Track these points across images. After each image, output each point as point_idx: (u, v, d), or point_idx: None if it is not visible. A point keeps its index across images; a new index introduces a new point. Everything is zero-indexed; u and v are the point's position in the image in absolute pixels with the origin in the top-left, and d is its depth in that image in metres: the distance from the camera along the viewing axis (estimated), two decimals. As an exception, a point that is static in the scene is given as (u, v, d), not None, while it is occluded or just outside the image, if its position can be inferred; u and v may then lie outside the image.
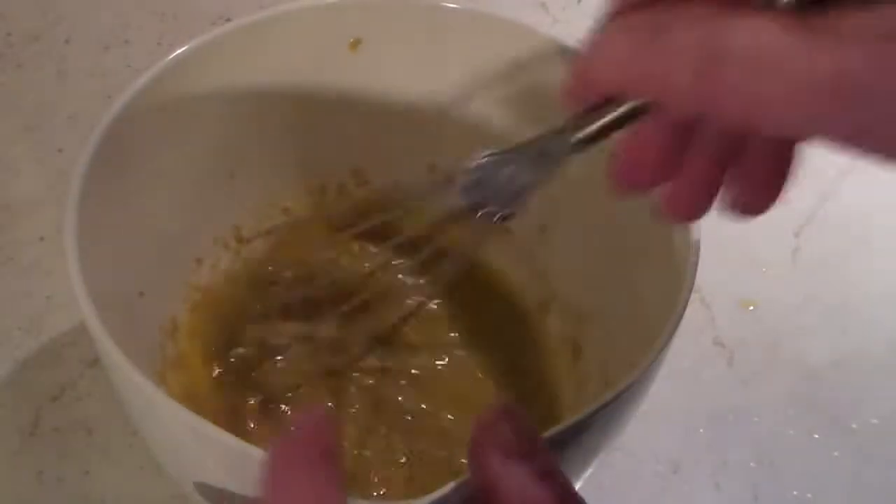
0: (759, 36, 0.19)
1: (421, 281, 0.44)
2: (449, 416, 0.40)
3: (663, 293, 0.32)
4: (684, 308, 0.30)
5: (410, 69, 0.41)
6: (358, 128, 0.42)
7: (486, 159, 0.28)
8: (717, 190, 0.25)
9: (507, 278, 0.44)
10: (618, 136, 0.25)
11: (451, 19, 0.39)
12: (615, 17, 0.23)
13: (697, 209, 0.26)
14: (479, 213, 0.29)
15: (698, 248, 0.32)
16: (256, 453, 0.26)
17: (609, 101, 0.24)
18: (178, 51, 0.36)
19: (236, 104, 0.39)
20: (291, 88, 0.40)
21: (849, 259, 0.51)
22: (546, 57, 0.39)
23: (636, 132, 0.25)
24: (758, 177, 0.25)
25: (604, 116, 0.25)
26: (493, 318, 0.44)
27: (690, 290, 0.31)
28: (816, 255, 0.51)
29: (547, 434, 0.26)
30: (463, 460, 0.35)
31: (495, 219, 0.28)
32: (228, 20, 0.38)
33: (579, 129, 0.25)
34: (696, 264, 0.32)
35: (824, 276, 0.51)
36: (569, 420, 0.27)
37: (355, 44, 0.40)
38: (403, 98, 0.41)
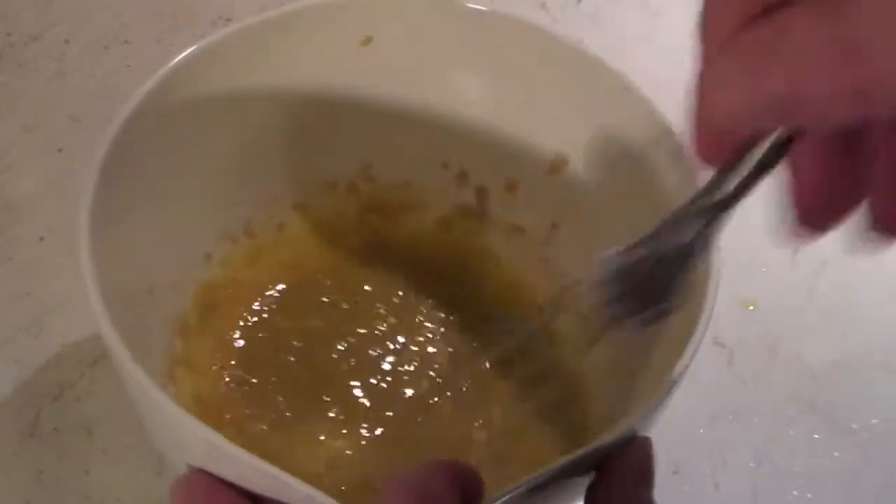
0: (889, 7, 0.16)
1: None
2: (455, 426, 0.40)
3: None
4: (697, 346, 0.30)
5: (422, 67, 0.41)
6: (369, 125, 0.42)
7: (620, 260, 0.24)
8: None
9: (518, 276, 0.44)
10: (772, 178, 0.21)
11: (463, 17, 0.39)
12: (717, 43, 0.19)
13: None
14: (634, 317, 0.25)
15: (718, 273, 0.31)
16: (260, 464, 0.26)
17: (746, 147, 0.21)
18: (188, 51, 0.36)
19: (246, 103, 0.39)
20: (302, 87, 0.40)
21: (849, 259, 0.51)
22: (563, 59, 0.39)
23: (795, 172, 0.21)
24: None
25: (745, 162, 0.21)
26: (502, 316, 0.44)
27: (706, 327, 0.30)
28: (816, 255, 0.51)
29: (553, 467, 0.26)
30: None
31: (651, 320, 0.25)
32: (229, 20, 0.38)
33: (723, 186, 0.22)
34: (715, 294, 0.31)
35: (824, 276, 0.51)
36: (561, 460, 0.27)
37: (366, 42, 0.40)
38: (415, 96, 0.41)
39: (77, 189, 0.31)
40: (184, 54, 0.36)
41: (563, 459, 0.26)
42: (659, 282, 0.24)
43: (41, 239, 0.48)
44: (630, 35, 0.61)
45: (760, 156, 0.21)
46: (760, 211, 0.54)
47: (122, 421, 0.42)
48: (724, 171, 0.22)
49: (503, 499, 0.25)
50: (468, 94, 0.41)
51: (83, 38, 0.58)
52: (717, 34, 0.19)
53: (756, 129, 0.20)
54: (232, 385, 0.40)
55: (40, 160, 0.52)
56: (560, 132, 0.40)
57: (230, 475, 0.27)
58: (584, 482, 0.28)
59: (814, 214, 0.22)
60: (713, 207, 0.22)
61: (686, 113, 0.20)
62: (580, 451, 0.27)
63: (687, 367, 0.30)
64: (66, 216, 0.31)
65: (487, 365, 0.42)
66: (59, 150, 0.52)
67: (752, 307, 0.49)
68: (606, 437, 0.27)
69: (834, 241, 0.54)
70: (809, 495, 0.43)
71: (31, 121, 0.54)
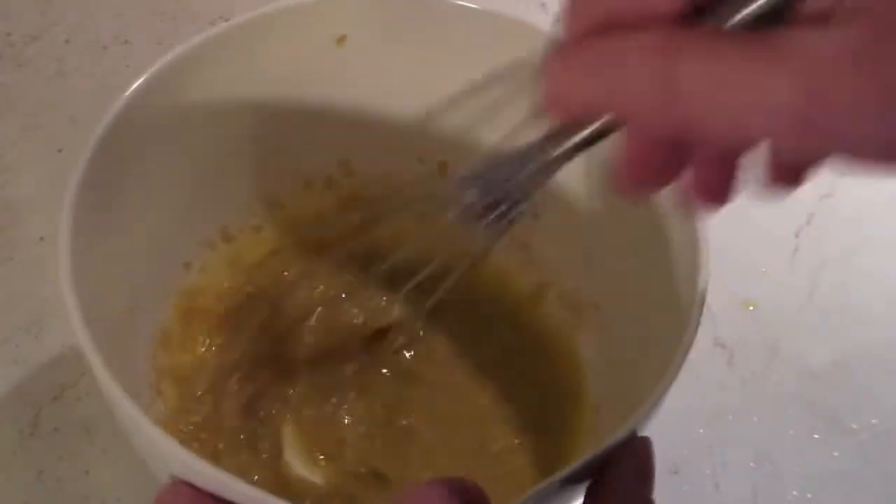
0: (711, 61, 0.19)
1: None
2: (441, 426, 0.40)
3: (665, 292, 0.32)
4: (689, 346, 0.30)
5: (398, 65, 0.41)
6: (346, 122, 0.42)
7: (480, 164, 0.28)
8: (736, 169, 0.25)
9: (500, 264, 0.44)
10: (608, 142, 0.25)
11: (440, 14, 0.39)
12: (571, 42, 0.23)
13: (721, 193, 0.26)
14: (491, 215, 0.29)
15: (708, 267, 0.32)
16: (242, 488, 0.26)
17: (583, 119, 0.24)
18: (169, 55, 0.36)
19: (221, 105, 0.39)
20: (277, 87, 0.40)
21: (849, 259, 0.51)
22: (535, 49, 0.39)
23: (627, 144, 0.24)
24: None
25: (578, 133, 0.25)
26: (486, 308, 0.44)
27: (697, 324, 0.31)
28: (816, 255, 0.51)
29: (555, 479, 0.26)
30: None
31: (508, 217, 0.29)
32: (228, 20, 0.38)
33: (559, 142, 0.26)
34: (704, 291, 0.31)
35: (824, 276, 0.51)
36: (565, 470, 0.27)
37: (341, 40, 0.40)
38: (391, 94, 0.41)
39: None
40: (163, 59, 0.36)
41: (566, 470, 0.26)
42: (512, 186, 0.28)
43: (41, 239, 0.48)
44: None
45: (591, 130, 0.24)
46: (760, 211, 0.54)
47: (122, 421, 0.42)
48: (566, 130, 0.25)
49: None
50: (444, 88, 0.41)
51: (83, 38, 0.58)
52: (574, 28, 0.23)
53: (588, 113, 0.24)
54: (217, 394, 0.40)
55: (40, 160, 0.52)
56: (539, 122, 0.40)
57: (210, 488, 0.27)
58: (583, 486, 0.28)
59: (638, 182, 0.25)
60: (548, 157, 0.26)
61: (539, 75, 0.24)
62: (582, 460, 0.27)
63: (682, 362, 0.29)
64: (59, 220, 0.31)
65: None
66: (59, 150, 0.52)
67: (752, 307, 0.49)
68: (608, 443, 0.27)
69: (834, 241, 0.55)
70: (809, 495, 0.43)
71: (31, 121, 0.54)
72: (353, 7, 0.39)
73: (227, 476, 0.26)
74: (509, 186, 0.28)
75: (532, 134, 0.27)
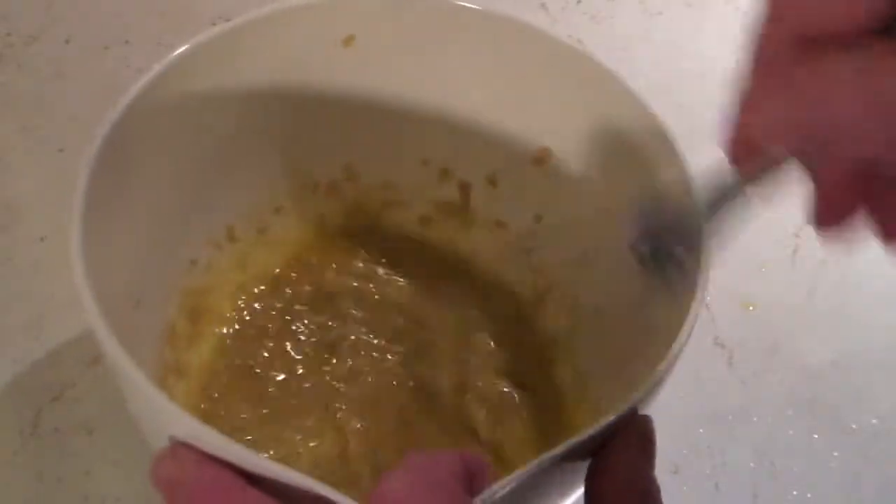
0: None
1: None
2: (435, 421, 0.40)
3: (666, 293, 0.32)
4: (692, 327, 0.30)
5: (404, 65, 0.41)
6: (350, 124, 0.42)
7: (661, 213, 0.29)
8: None
9: (501, 269, 0.44)
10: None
11: (444, 16, 0.39)
12: (764, 65, 0.22)
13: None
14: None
15: (709, 261, 0.32)
16: (259, 460, 0.26)
17: (765, 160, 0.24)
18: (174, 53, 0.36)
19: (227, 105, 0.39)
20: (284, 86, 0.40)
21: (849, 259, 0.51)
22: (543, 51, 0.39)
23: (822, 178, 0.24)
24: None
25: (771, 169, 0.25)
26: (488, 311, 0.44)
27: (700, 306, 0.31)
28: (816, 255, 0.51)
29: (555, 452, 0.26)
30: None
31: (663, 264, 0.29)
32: (229, 20, 0.38)
33: (749, 182, 0.26)
34: (706, 278, 0.31)
35: (824, 276, 0.51)
36: (567, 444, 0.27)
37: (348, 41, 0.40)
38: (396, 94, 0.41)
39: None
40: (166, 58, 0.36)
41: (567, 443, 0.26)
42: (674, 242, 0.28)
43: (41, 239, 0.48)
44: (629, 35, 0.61)
45: (784, 166, 0.24)
46: (760, 212, 0.54)
47: (122, 421, 0.42)
48: (743, 173, 0.26)
49: (509, 486, 0.26)
50: (450, 91, 0.41)
51: (83, 38, 0.58)
52: (765, 57, 0.22)
53: (778, 148, 0.24)
54: (224, 391, 0.40)
55: (40, 160, 0.52)
56: (543, 125, 0.40)
57: (210, 450, 0.27)
58: (585, 465, 0.28)
59: (827, 218, 0.25)
60: (724, 200, 0.27)
61: (722, 118, 0.23)
62: (583, 435, 0.27)
63: (686, 341, 0.30)
64: (66, 216, 0.31)
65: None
66: (60, 150, 0.52)
67: (752, 307, 0.49)
68: (609, 417, 0.27)
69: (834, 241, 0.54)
70: (809, 495, 0.43)
71: (31, 121, 0.54)
72: (360, 8, 0.39)
73: (226, 439, 0.26)
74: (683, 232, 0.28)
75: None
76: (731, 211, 0.28)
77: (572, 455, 0.27)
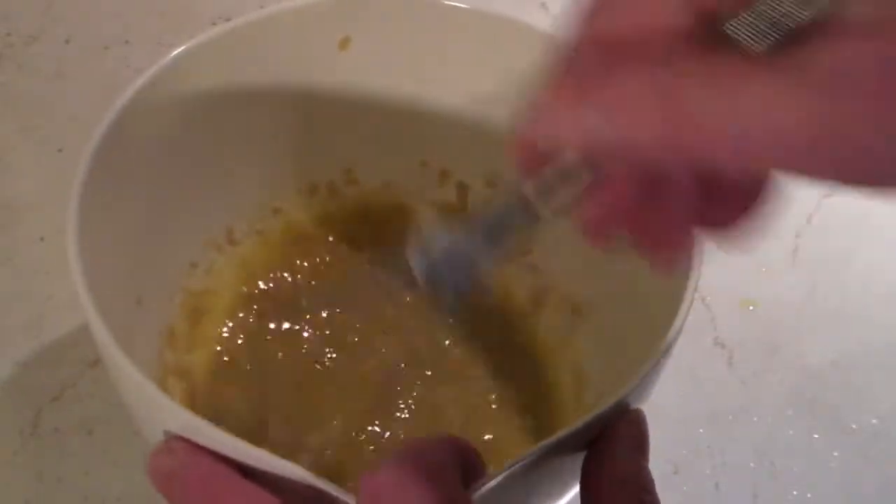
0: (719, 85, 0.18)
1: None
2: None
3: (663, 289, 0.32)
4: (684, 319, 0.30)
5: (402, 67, 0.41)
6: (349, 126, 0.42)
7: (441, 239, 0.27)
8: (692, 228, 0.24)
9: (499, 269, 0.44)
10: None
11: (442, 16, 0.39)
12: (568, 72, 0.22)
13: (679, 246, 0.25)
14: (438, 289, 0.28)
15: (701, 254, 0.32)
16: (252, 451, 0.26)
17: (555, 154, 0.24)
18: (171, 54, 0.36)
19: (229, 104, 0.39)
20: (283, 88, 0.40)
21: (849, 259, 0.51)
22: (539, 50, 0.39)
23: (602, 188, 0.24)
24: (734, 203, 0.24)
25: (564, 180, 0.24)
26: (487, 312, 0.44)
27: (692, 298, 0.31)
28: (816, 255, 0.51)
29: (548, 442, 0.26)
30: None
31: (453, 291, 0.28)
32: (229, 20, 0.38)
33: (540, 194, 0.25)
34: (698, 273, 0.31)
35: (824, 276, 0.51)
36: (561, 433, 0.27)
37: (345, 42, 0.40)
38: (395, 95, 0.41)
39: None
40: (166, 58, 0.36)
41: (560, 434, 0.26)
42: (464, 270, 0.27)
43: (41, 239, 0.48)
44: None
45: (577, 173, 0.23)
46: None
47: (122, 421, 0.42)
48: (536, 179, 0.25)
49: (501, 476, 0.26)
50: (447, 92, 0.41)
51: (83, 38, 0.58)
52: (570, 60, 0.22)
53: (566, 155, 0.23)
54: (223, 391, 0.40)
55: (40, 160, 0.52)
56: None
57: (205, 443, 0.27)
58: (579, 457, 0.28)
59: (601, 223, 0.25)
60: (531, 214, 0.26)
61: (516, 122, 0.23)
62: (576, 425, 0.27)
63: (677, 336, 0.30)
64: (66, 217, 0.31)
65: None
66: (59, 150, 0.52)
67: (752, 307, 0.49)
68: (601, 408, 0.27)
69: (834, 241, 0.55)
70: (809, 495, 0.43)
71: (31, 121, 0.54)
72: (357, 9, 0.39)
73: (219, 431, 0.26)
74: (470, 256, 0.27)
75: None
76: (520, 222, 0.27)
77: (565, 446, 0.27)
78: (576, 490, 0.29)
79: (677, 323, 0.30)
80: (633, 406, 0.30)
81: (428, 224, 0.28)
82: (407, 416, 0.40)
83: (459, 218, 0.27)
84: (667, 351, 0.29)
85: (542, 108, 0.22)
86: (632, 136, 0.20)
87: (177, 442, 0.28)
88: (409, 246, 0.28)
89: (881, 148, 0.18)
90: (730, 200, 0.24)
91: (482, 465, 0.26)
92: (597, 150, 0.22)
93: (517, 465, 0.26)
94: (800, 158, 0.18)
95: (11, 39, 0.58)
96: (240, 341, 0.42)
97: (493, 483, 0.25)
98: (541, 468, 0.27)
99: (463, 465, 0.25)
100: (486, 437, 0.40)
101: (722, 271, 0.49)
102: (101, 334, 0.28)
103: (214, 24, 0.59)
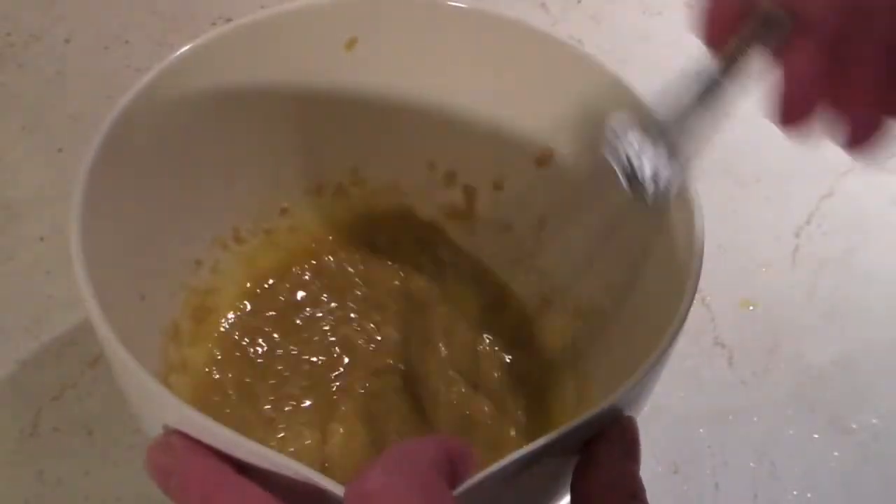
0: None
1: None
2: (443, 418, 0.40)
3: (665, 293, 0.32)
4: (681, 324, 0.30)
5: (408, 67, 0.41)
6: (356, 127, 0.42)
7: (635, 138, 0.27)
8: (888, 110, 0.24)
9: (505, 272, 0.44)
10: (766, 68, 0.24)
11: (448, 17, 0.39)
12: None
13: (873, 130, 0.24)
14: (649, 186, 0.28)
15: (701, 255, 0.32)
16: (249, 444, 0.26)
17: (743, 30, 0.23)
18: (177, 52, 0.36)
19: (234, 104, 0.39)
20: (289, 88, 0.40)
21: (849, 259, 0.51)
22: (545, 52, 0.39)
23: (789, 61, 0.23)
24: None
25: (746, 37, 0.24)
26: (492, 315, 0.44)
27: (690, 303, 0.31)
28: (816, 255, 0.51)
29: (537, 444, 0.26)
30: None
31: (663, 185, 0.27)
32: (229, 20, 0.38)
33: (727, 57, 0.24)
34: (697, 278, 0.31)
35: (824, 276, 0.51)
36: (554, 433, 0.27)
37: (351, 43, 0.40)
38: (401, 96, 0.42)
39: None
40: (172, 56, 0.36)
41: (549, 436, 0.26)
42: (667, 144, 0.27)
43: (41, 239, 0.48)
44: (630, 35, 0.61)
45: (758, 27, 0.24)
46: (761, 212, 0.54)
47: (122, 421, 0.42)
48: (718, 63, 0.25)
49: (486, 476, 0.26)
50: (453, 93, 0.41)
51: (83, 38, 0.58)
52: None
53: (751, 10, 0.23)
54: (227, 389, 0.40)
55: (40, 160, 0.52)
56: (546, 126, 0.40)
57: (204, 439, 0.27)
58: (571, 463, 0.28)
59: (800, 109, 0.24)
60: (720, 77, 0.25)
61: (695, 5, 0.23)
62: (565, 427, 0.27)
63: (670, 345, 0.30)
64: (66, 216, 0.31)
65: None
66: (59, 150, 0.52)
67: (752, 307, 0.49)
68: (591, 413, 0.27)
69: (834, 241, 0.55)
70: (809, 495, 0.43)
71: (31, 121, 0.54)
72: (362, 10, 0.39)
73: (220, 426, 0.26)
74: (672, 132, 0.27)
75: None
76: (713, 106, 0.26)
77: (556, 448, 0.27)
78: (567, 500, 0.29)
79: (672, 330, 0.30)
80: (633, 410, 0.30)
81: (621, 125, 0.28)
82: (407, 414, 0.40)
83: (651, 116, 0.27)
84: (660, 358, 0.29)
85: None
86: None
87: (175, 437, 0.28)
88: (607, 147, 0.28)
89: None
90: None
91: (473, 465, 0.26)
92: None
93: (504, 467, 0.26)
94: None
95: (12, 39, 0.58)
96: (245, 340, 0.42)
97: (477, 483, 0.25)
98: (532, 471, 0.27)
99: (452, 466, 0.25)
100: (487, 438, 0.40)
101: (722, 271, 0.49)
102: (103, 328, 0.28)
103: (214, 24, 0.59)
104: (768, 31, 0.24)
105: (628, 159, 0.28)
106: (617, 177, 0.28)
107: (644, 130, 0.27)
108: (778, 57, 0.24)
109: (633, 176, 0.28)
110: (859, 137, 0.25)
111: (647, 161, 0.27)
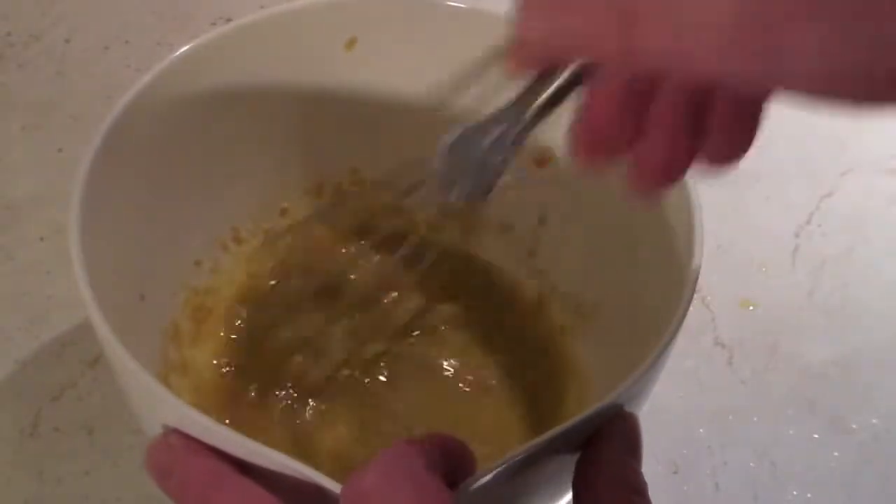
0: None
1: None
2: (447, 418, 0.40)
3: (665, 293, 0.32)
4: (681, 323, 0.30)
5: (407, 68, 0.41)
6: (355, 127, 0.42)
7: (452, 140, 0.30)
8: (685, 152, 0.25)
9: (505, 272, 0.44)
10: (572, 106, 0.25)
11: (448, 17, 0.39)
12: None
13: (668, 173, 0.25)
14: (452, 193, 0.30)
15: (701, 255, 0.32)
16: (246, 442, 0.26)
17: (551, 70, 0.25)
18: (177, 52, 0.36)
19: (234, 104, 0.39)
20: (289, 88, 0.40)
21: (849, 259, 0.51)
22: None
23: (590, 99, 0.24)
24: (725, 128, 0.24)
25: (548, 85, 0.25)
26: (492, 313, 0.44)
27: (689, 303, 0.31)
28: (816, 255, 0.51)
29: (538, 442, 0.26)
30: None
31: (466, 196, 0.29)
32: (229, 20, 0.38)
33: (529, 101, 0.26)
34: (696, 276, 0.31)
35: (824, 276, 0.51)
36: (552, 431, 0.27)
37: (351, 43, 0.40)
38: (401, 97, 0.42)
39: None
40: (172, 56, 0.36)
41: (549, 434, 0.26)
42: (476, 167, 0.29)
43: (41, 239, 0.48)
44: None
45: (560, 80, 0.25)
46: (761, 212, 0.54)
47: (122, 421, 0.42)
48: (531, 88, 0.26)
49: (490, 474, 0.26)
50: (453, 93, 0.41)
51: (83, 38, 0.58)
52: None
53: (555, 57, 0.24)
54: (228, 390, 0.40)
55: (40, 160, 0.52)
56: (545, 126, 0.40)
57: (203, 438, 0.27)
58: (572, 461, 0.28)
59: (591, 134, 0.25)
60: (521, 118, 0.27)
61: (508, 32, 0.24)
62: (566, 425, 0.27)
63: (671, 341, 0.30)
64: (66, 216, 0.31)
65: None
66: (59, 150, 0.52)
67: (752, 307, 0.49)
68: (592, 410, 0.27)
69: (834, 241, 0.55)
70: (809, 495, 0.43)
71: (31, 121, 0.54)
72: (362, 10, 0.39)
73: (219, 425, 0.26)
74: (485, 154, 0.29)
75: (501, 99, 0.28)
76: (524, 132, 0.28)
77: (556, 446, 0.27)
78: (569, 496, 0.29)
79: (672, 327, 0.30)
80: (633, 408, 0.30)
81: (445, 134, 0.30)
82: (408, 414, 0.40)
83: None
84: (660, 355, 0.29)
85: (523, 14, 0.23)
86: (588, 41, 0.21)
87: (174, 437, 0.28)
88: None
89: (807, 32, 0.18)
90: (719, 130, 0.24)
91: (472, 463, 0.26)
92: (571, 53, 0.23)
93: (504, 465, 0.26)
94: (722, 54, 0.19)
95: (12, 39, 0.58)
96: (244, 339, 0.42)
97: (477, 481, 0.25)
98: (532, 469, 0.27)
99: (450, 464, 0.25)
100: (487, 437, 0.40)
101: (722, 271, 0.49)
102: (103, 328, 0.28)
103: (214, 24, 0.59)
104: (565, 75, 0.25)
105: (442, 170, 0.30)
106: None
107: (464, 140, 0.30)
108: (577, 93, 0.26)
109: (442, 183, 0.30)
110: (648, 177, 0.25)
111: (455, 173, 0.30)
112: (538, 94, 0.26)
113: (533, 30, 0.23)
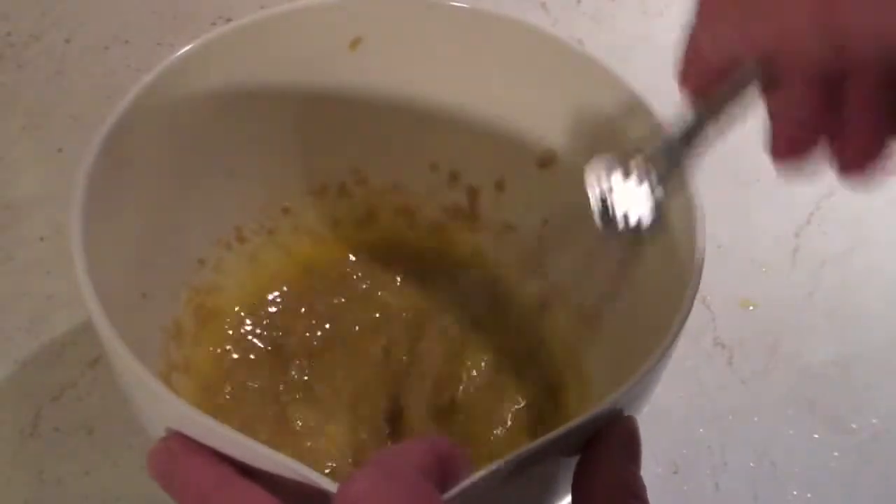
0: None
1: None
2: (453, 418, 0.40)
3: (666, 294, 0.32)
4: (682, 324, 0.30)
5: (411, 68, 0.41)
6: (359, 127, 0.42)
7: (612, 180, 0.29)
8: (887, 132, 0.25)
9: (508, 273, 0.44)
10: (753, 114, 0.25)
11: (451, 17, 0.39)
12: None
13: (872, 158, 0.25)
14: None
15: (702, 256, 0.32)
16: (247, 442, 0.26)
17: (723, 85, 0.25)
18: (179, 51, 0.36)
19: (237, 104, 0.39)
20: (292, 88, 0.40)
21: (849, 259, 0.51)
22: (547, 53, 0.39)
23: (783, 101, 0.24)
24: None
25: (733, 87, 0.25)
26: (493, 315, 0.44)
27: (691, 304, 0.31)
28: (816, 255, 0.51)
29: (537, 444, 0.26)
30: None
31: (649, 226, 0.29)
32: (229, 20, 0.38)
33: (712, 110, 0.26)
34: (698, 279, 0.31)
35: (824, 276, 0.51)
36: (551, 434, 0.27)
37: (355, 43, 0.40)
38: (404, 97, 0.42)
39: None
40: (174, 55, 0.36)
41: (549, 436, 0.26)
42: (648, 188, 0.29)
43: (41, 239, 0.48)
44: (629, 35, 0.61)
45: (745, 77, 0.25)
46: (761, 212, 0.54)
47: (122, 421, 0.42)
48: (702, 107, 0.26)
49: (483, 477, 0.25)
50: (457, 93, 0.41)
51: (83, 38, 0.58)
52: None
53: (735, 65, 0.24)
54: (230, 389, 0.40)
55: (40, 160, 0.52)
56: (548, 127, 0.40)
57: (206, 440, 0.27)
58: (571, 464, 0.28)
59: (797, 144, 0.25)
60: (692, 133, 0.27)
61: (678, 48, 0.24)
62: (564, 428, 0.27)
63: (671, 345, 0.30)
64: (66, 216, 0.31)
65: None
66: (59, 150, 0.52)
67: (752, 307, 0.49)
68: (591, 413, 0.27)
69: (834, 241, 0.55)
70: (809, 495, 0.43)
71: (31, 121, 0.54)
72: (362, 11, 0.39)
73: (221, 426, 0.26)
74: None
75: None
76: (695, 146, 0.28)
77: (555, 449, 0.27)
78: (568, 500, 0.29)
79: (673, 329, 0.30)
80: (633, 409, 0.30)
81: (600, 164, 0.30)
82: (410, 415, 0.40)
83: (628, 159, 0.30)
84: (661, 358, 0.29)
85: (699, 22, 0.23)
86: (783, 38, 0.21)
87: (175, 439, 0.28)
88: (587, 184, 0.30)
89: None
90: None
91: (467, 467, 0.26)
92: (753, 57, 0.23)
93: (501, 468, 0.26)
94: None
95: (11, 39, 0.58)
96: (247, 338, 0.42)
97: (472, 485, 0.25)
98: (531, 471, 0.27)
99: (442, 469, 0.25)
100: (486, 439, 0.40)
101: (722, 271, 0.49)
102: (104, 327, 0.28)
103: (214, 24, 0.59)
104: (753, 80, 0.25)
105: (603, 198, 0.30)
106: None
107: (624, 168, 0.29)
108: (767, 96, 0.25)
109: (604, 213, 0.30)
110: (855, 166, 0.26)
111: (620, 200, 0.30)
112: (714, 104, 0.26)
113: (717, 39, 0.23)
